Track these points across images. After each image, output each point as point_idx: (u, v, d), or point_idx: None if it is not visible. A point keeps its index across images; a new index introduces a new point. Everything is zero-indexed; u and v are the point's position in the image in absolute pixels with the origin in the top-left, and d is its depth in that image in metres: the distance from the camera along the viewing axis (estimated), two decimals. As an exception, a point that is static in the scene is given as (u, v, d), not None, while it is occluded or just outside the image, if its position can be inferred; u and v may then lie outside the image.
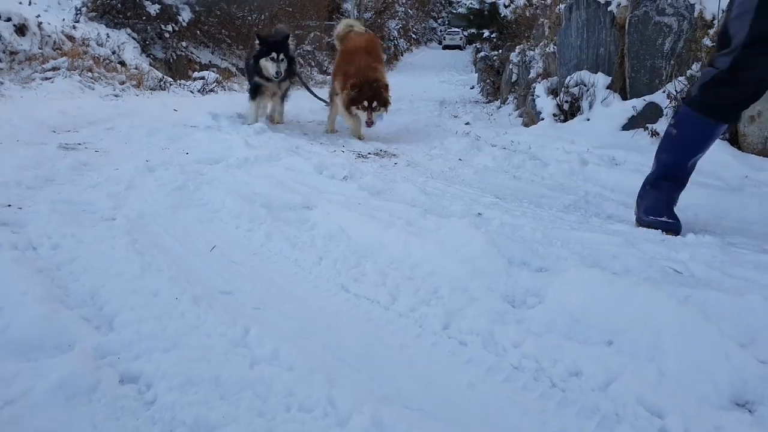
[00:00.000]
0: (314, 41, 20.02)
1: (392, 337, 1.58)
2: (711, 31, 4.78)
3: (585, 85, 5.81)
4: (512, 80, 8.79)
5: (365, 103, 5.40)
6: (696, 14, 5.17)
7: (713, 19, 5.01)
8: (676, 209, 3.46)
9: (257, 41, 5.69)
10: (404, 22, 23.71)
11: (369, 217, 2.51)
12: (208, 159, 4.01)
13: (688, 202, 3.60)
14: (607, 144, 4.99)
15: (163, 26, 11.82)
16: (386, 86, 5.61)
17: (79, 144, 4.38)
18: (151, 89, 9.39)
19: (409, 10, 25.25)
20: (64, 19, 9.86)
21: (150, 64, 10.82)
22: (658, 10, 5.35)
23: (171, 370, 1.21)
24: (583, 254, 2.27)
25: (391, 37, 22.34)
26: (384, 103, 5.52)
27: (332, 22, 23.74)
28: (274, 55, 5.59)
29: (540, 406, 1.31)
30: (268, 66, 5.62)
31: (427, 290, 1.83)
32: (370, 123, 5.46)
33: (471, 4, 14.36)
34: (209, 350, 1.32)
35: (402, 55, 24.12)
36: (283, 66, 5.62)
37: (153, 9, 11.56)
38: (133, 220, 2.45)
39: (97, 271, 1.79)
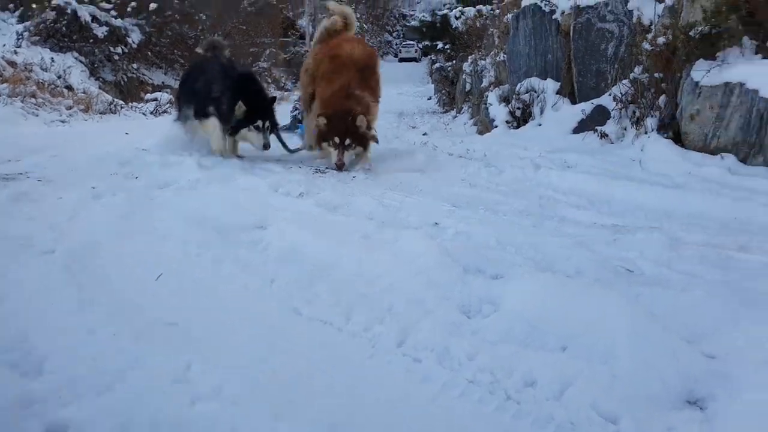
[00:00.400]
0: (270, 58, 19.92)
1: (345, 360, 1.53)
2: (649, 36, 4.95)
3: (535, 92, 5.93)
4: (466, 90, 8.93)
5: (336, 140, 4.39)
6: (635, 20, 5.37)
7: (651, 24, 5.20)
8: (625, 206, 3.55)
9: (242, 106, 4.45)
10: (360, 37, 23.81)
11: (324, 234, 2.47)
12: (159, 182, 3.89)
13: (638, 201, 3.70)
14: (559, 148, 5.09)
15: (111, 48, 11.56)
16: (366, 121, 4.44)
17: (21, 174, 4.18)
18: (100, 113, 9.13)
19: (364, 25, 25.38)
20: (4, 45, 9.53)
21: (99, 88, 10.55)
22: (600, 17, 5.53)
23: (104, 415, 1.14)
24: (536, 259, 2.28)
25: (347, 52, 22.18)
26: (361, 141, 4.43)
27: (288, 39, 23.70)
28: (260, 123, 4.53)
29: (496, 420, 1.29)
30: (252, 137, 4.57)
31: (382, 306, 1.79)
32: (340, 164, 4.38)
33: (423, 16, 14.58)
34: (148, 389, 1.25)
35: (358, 69, 23.93)
36: (269, 135, 4.63)
37: (100, 31, 11.30)
38: (74, 251, 2.34)
39: (28, 311, 1.69)
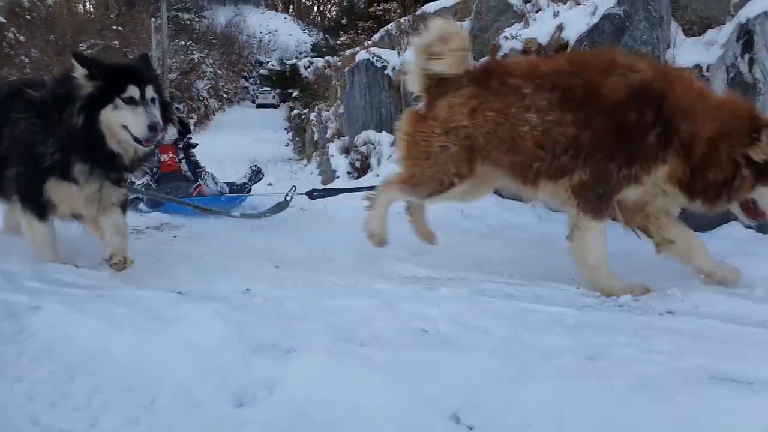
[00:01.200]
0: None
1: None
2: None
3: (372, 144, 6.12)
4: (314, 139, 9.01)
5: None
6: (457, 77, 5.78)
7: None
8: (444, 257, 3.66)
9: (79, 67, 2.58)
10: (213, 82, 23.34)
11: (104, 316, 2.19)
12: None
13: (458, 249, 3.86)
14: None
15: None
16: None
17: None
18: None
19: (218, 71, 24.94)
20: None
21: None
22: (426, 73, 5.88)
23: None
24: (336, 326, 2.21)
25: (201, 98, 21.79)
26: None
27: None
28: (135, 92, 2.61)
29: None
30: (124, 118, 2.61)
31: (143, 403, 1.59)
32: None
33: (272, 66, 14.69)
34: None
35: (214, 115, 23.62)
36: (158, 114, 2.70)
37: None
38: None
39: None
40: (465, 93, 2.78)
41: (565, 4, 5.24)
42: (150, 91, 2.67)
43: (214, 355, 1.84)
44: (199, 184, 5.24)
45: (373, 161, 6.09)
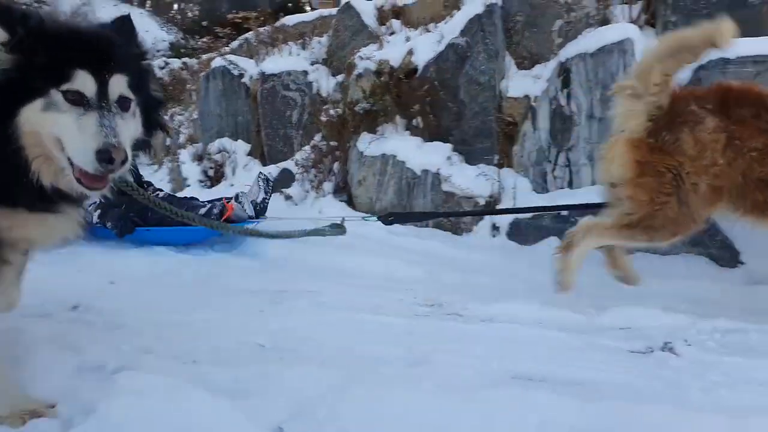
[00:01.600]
0: None
1: None
2: (324, 107, 5.48)
3: (227, 152, 5.98)
4: (166, 144, 8.53)
5: None
6: (315, 91, 5.88)
7: (327, 96, 5.76)
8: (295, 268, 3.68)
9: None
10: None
11: None
12: None
13: (309, 262, 3.92)
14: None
15: None
16: None
17: None
18: None
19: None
20: None
21: None
22: (284, 85, 5.90)
23: None
24: (172, 342, 2.16)
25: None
26: None
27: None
28: (84, 82, 1.43)
29: None
30: (66, 128, 1.41)
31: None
32: None
33: (122, 62, 13.61)
34: None
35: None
36: (133, 125, 1.63)
37: None
38: None
39: None
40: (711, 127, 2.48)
41: (416, 29, 5.59)
42: (118, 84, 1.51)
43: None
44: (229, 205, 4.13)
45: (227, 170, 5.95)
